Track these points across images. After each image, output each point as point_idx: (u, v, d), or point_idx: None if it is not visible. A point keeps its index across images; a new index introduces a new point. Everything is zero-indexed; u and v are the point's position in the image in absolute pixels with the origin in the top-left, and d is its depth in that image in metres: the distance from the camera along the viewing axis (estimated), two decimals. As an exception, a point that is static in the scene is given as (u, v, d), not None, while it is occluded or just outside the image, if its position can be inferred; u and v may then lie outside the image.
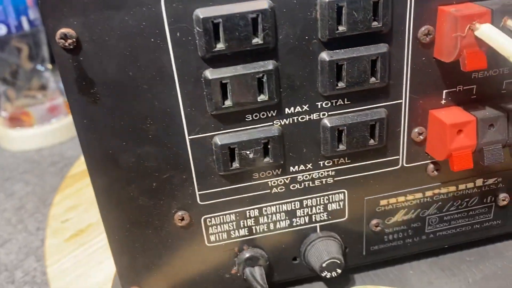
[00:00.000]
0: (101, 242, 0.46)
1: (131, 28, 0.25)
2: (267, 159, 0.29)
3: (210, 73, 0.26)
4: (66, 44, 0.24)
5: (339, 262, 0.31)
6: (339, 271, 0.32)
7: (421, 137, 0.31)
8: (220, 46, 0.25)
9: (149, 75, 0.26)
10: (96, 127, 0.27)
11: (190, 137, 0.28)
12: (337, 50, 0.27)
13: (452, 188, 0.34)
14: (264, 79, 0.27)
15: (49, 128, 0.68)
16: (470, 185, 0.34)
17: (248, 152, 0.28)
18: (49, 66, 0.68)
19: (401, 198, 0.33)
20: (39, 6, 0.24)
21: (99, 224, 0.48)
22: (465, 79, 0.30)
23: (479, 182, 0.34)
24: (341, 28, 0.26)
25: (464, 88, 0.30)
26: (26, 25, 0.62)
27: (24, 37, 0.62)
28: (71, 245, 0.45)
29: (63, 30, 0.24)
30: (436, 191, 0.34)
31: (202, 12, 0.25)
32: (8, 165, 0.65)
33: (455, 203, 0.34)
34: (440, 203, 0.34)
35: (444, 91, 0.30)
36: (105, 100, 0.26)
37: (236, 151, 0.28)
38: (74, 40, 0.24)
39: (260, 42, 0.26)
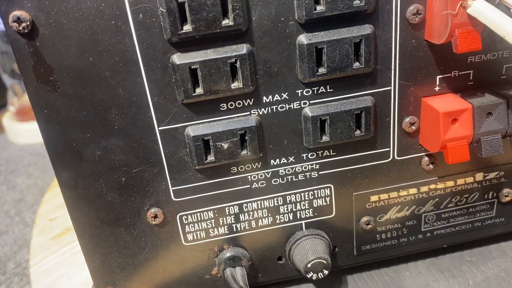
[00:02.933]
0: (87, 241, 0.44)
1: (89, 10, 0.23)
2: (244, 152, 0.27)
3: (178, 58, 0.24)
4: (20, 28, 0.22)
5: (325, 262, 0.29)
6: (325, 272, 0.29)
7: (413, 128, 0.28)
8: (187, 28, 0.23)
9: (111, 60, 0.24)
10: (57, 117, 0.25)
11: (160, 128, 0.26)
12: (316, 33, 0.25)
13: (450, 183, 0.31)
14: (238, 65, 0.25)
15: None
16: (470, 179, 0.31)
17: (223, 144, 0.26)
18: None
19: (394, 194, 0.31)
20: (-12, -14, 0.22)
21: (87, 222, 0.47)
22: (460, 64, 0.28)
23: (479, 176, 0.32)
24: (319, 8, 0.24)
25: (460, 73, 0.28)
26: None
27: None
28: (56, 243, 0.44)
29: (16, 12, 0.22)
30: (432, 186, 0.31)
31: (165, -9, 0.23)
32: (14, 158, 0.66)
33: (453, 200, 0.32)
34: (437, 199, 0.32)
35: (438, 77, 0.28)
36: (66, 88, 0.24)
37: (210, 143, 0.26)
38: (28, 23, 0.22)
39: (231, 23, 0.24)
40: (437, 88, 0.28)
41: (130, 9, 0.23)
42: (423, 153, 0.30)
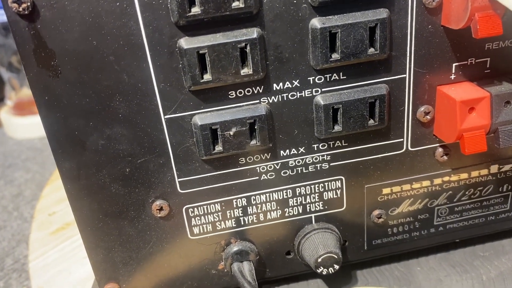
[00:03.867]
0: (88, 236, 0.43)
1: None
2: (253, 142, 0.26)
3: (185, 42, 0.23)
4: (20, 9, 0.21)
5: (336, 257, 0.28)
6: (336, 267, 0.28)
7: (428, 117, 0.27)
8: (196, 10, 0.22)
9: (115, 44, 0.23)
10: (59, 104, 0.24)
11: (166, 117, 0.25)
12: (330, 16, 0.24)
13: (464, 176, 0.30)
14: (248, 50, 0.24)
15: None
16: (484, 172, 0.30)
17: (231, 134, 0.25)
18: None
19: (406, 186, 0.30)
20: (-14, -36, 0.21)
21: (87, 217, 0.46)
22: (477, 51, 0.27)
23: (494, 168, 0.31)
24: (334, -10, 0.23)
25: (477, 61, 0.27)
26: None
27: None
28: (56, 238, 0.43)
29: (16, -8, 0.21)
30: (446, 178, 0.30)
31: (173, -29, 0.22)
32: (12, 153, 0.65)
33: (467, 192, 0.31)
34: (450, 192, 0.31)
35: (454, 65, 0.27)
36: (68, 74, 0.23)
37: (218, 133, 0.25)
38: (29, 4, 0.21)
39: (241, 5, 0.23)
40: (453, 76, 0.27)
41: (136, -10, 0.22)
42: (437, 144, 0.29)
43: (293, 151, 0.27)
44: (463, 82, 0.27)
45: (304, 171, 0.28)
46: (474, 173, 0.30)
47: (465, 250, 0.34)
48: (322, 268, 0.28)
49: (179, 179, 0.27)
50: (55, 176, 0.55)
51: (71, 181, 0.26)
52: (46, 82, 0.23)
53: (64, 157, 0.25)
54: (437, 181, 0.30)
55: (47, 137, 0.24)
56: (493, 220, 0.32)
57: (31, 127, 0.68)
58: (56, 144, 0.25)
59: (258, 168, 0.27)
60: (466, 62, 0.27)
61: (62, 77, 0.23)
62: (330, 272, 0.29)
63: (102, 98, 0.24)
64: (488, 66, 0.27)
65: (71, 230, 0.44)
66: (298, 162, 0.28)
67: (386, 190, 0.30)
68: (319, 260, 0.28)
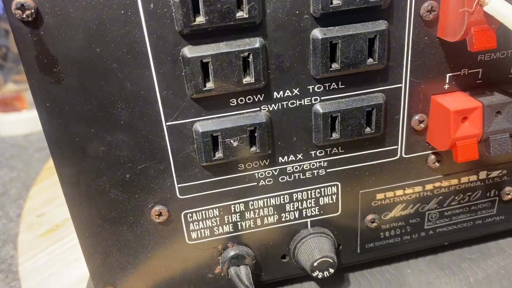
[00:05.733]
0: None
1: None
2: (253, 149, 0.26)
3: (189, 51, 0.23)
4: (24, 16, 0.21)
5: (331, 261, 0.29)
6: (331, 270, 0.29)
7: (422, 125, 0.28)
8: (200, 19, 0.22)
9: (119, 52, 0.23)
10: (61, 111, 0.24)
11: (167, 124, 0.25)
12: (331, 27, 0.24)
13: (454, 181, 0.31)
14: (250, 59, 0.24)
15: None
16: (473, 177, 0.32)
17: (232, 141, 0.25)
18: None
19: (399, 192, 0.31)
20: (-10, -30, 0.21)
21: (77, 218, 0.45)
22: (470, 62, 0.27)
23: (482, 174, 0.32)
24: (335, 2, 0.23)
25: (469, 71, 0.28)
26: None
27: None
28: (45, 240, 0.42)
29: (20, 1, 0.21)
30: (437, 184, 0.31)
31: (179, -19, 0.22)
32: None
33: (456, 197, 0.32)
34: (441, 197, 0.32)
35: (448, 75, 0.27)
36: (70, 80, 0.23)
37: (219, 140, 0.25)
38: (33, 11, 0.21)
39: (245, 16, 0.23)
40: (446, 86, 0.28)
41: (141, -2, 0.22)
42: (430, 151, 0.30)
43: (291, 157, 0.28)
44: (456, 92, 0.28)
45: (301, 177, 0.28)
46: (464, 179, 0.31)
47: (453, 253, 0.35)
48: (317, 272, 0.29)
49: (179, 185, 0.27)
50: (42, 176, 0.54)
51: (70, 187, 0.25)
52: (48, 88, 0.23)
53: (64, 163, 0.25)
54: (429, 186, 0.31)
55: (47, 142, 0.24)
56: (480, 224, 0.34)
57: (15, 124, 0.67)
58: (56, 150, 0.24)
59: (256, 174, 0.28)
60: (460, 72, 0.28)
61: (64, 84, 0.23)
62: (326, 275, 0.29)
63: (104, 104, 0.24)
64: (480, 77, 0.28)
65: (61, 232, 0.44)
66: (296, 168, 0.28)
67: (379, 196, 0.30)
68: (315, 264, 0.29)
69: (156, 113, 0.25)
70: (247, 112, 0.26)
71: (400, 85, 0.27)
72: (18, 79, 0.68)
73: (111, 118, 0.24)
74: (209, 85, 0.24)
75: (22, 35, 0.22)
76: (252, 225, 0.29)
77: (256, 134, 0.26)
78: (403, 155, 0.29)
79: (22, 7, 0.21)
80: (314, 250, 0.29)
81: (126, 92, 0.24)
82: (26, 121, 0.67)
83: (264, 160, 0.27)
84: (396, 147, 0.29)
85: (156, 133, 0.25)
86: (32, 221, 0.46)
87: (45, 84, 0.23)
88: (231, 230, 0.29)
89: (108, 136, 0.25)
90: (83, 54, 0.23)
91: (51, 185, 0.52)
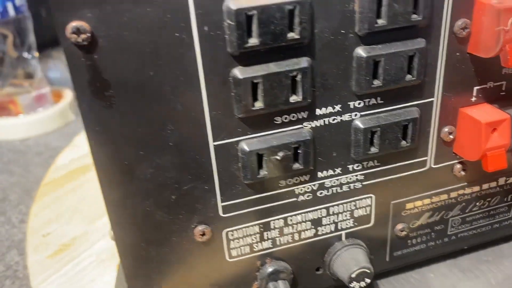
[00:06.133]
0: (90, 257, 0.42)
1: (153, 22, 0.22)
2: (296, 165, 0.27)
3: (240, 72, 0.23)
4: (79, 39, 0.21)
5: (369, 271, 0.29)
6: (368, 281, 0.30)
7: (451, 137, 0.29)
8: (253, 41, 0.23)
9: (172, 74, 0.23)
10: (111, 134, 0.23)
11: (214, 144, 0.25)
12: (374, 46, 0.25)
13: (476, 188, 0.33)
14: (298, 78, 0.24)
15: (35, 117, 0.67)
16: (493, 184, 0.33)
17: (277, 158, 0.26)
18: (36, 54, 0.67)
19: (427, 201, 0.32)
20: (47, -5, 0.20)
21: (85, 236, 0.44)
22: (495, 75, 0.29)
23: (501, 181, 0.33)
24: (380, 22, 0.24)
25: (495, 84, 0.29)
26: (11, 11, 0.61)
27: (10, 24, 0.61)
28: (55, 262, 0.41)
29: (75, 23, 0.20)
30: (461, 191, 0.32)
31: (234, 3, 0.22)
32: None
33: (477, 203, 0.33)
34: (463, 203, 0.33)
35: (475, 88, 0.29)
36: (122, 104, 0.23)
37: (264, 158, 0.26)
38: (89, 35, 0.21)
39: (296, 37, 0.23)
40: (473, 99, 0.29)
41: (196, 21, 0.22)
42: (456, 161, 0.31)
43: (330, 172, 0.28)
44: (483, 104, 0.29)
45: (338, 191, 0.29)
46: (485, 186, 0.33)
47: (471, 256, 0.36)
48: (355, 283, 0.29)
49: (222, 204, 0.27)
50: (41, 193, 0.52)
51: (116, 210, 0.25)
52: (99, 112, 0.23)
53: (112, 186, 0.24)
54: (453, 194, 0.32)
55: (95, 167, 0.24)
56: (497, 228, 0.35)
57: (12, 128, 0.66)
58: (104, 173, 0.24)
59: (296, 189, 0.28)
60: (486, 85, 0.29)
61: (116, 107, 0.23)
62: (362, 286, 0.30)
63: (154, 127, 0.24)
64: (503, 89, 0.29)
65: (71, 252, 0.42)
66: (334, 182, 0.29)
67: (409, 205, 0.31)
68: (353, 275, 0.29)
69: (204, 133, 0.25)
70: (291, 130, 0.26)
71: (433, 99, 0.28)
72: (16, 83, 0.68)
73: (160, 140, 0.24)
74: (258, 104, 0.24)
75: (75, 59, 0.21)
76: (290, 240, 0.30)
77: (299, 151, 0.26)
78: (432, 166, 0.30)
79: (77, 31, 0.21)
80: (351, 261, 0.29)
81: (177, 114, 0.24)
82: (22, 126, 0.66)
83: (305, 176, 0.28)
84: (426, 158, 0.30)
85: (203, 153, 0.25)
86: (38, 241, 0.44)
87: (97, 108, 0.22)
88: (270, 246, 0.29)
89: (156, 158, 0.24)
90: (136, 77, 0.22)
91: (52, 201, 0.50)
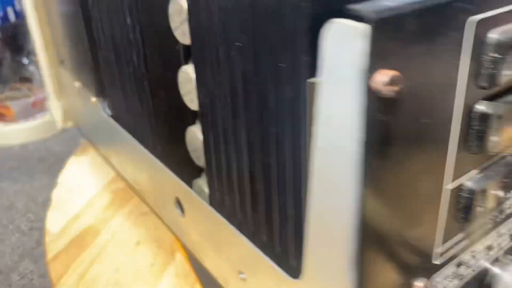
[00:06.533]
0: None
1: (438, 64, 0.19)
2: None
3: (486, 106, 0.22)
4: (392, 92, 0.17)
5: None
6: None
7: None
8: (507, 73, 0.21)
9: (443, 118, 0.20)
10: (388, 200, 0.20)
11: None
12: None
13: None
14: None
15: (34, 123, 0.67)
16: None
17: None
18: (34, 59, 0.65)
19: None
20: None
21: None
22: None
23: None
24: None
25: None
26: (12, 16, 0.62)
27: (10, 28, 0.62)
28: None
29: (388, 72, 0.17)
30: None
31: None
32: None
33: None
34: None
35: None
36: (406, 163, 0.20)
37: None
38: (401, 86, 0.17)
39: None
40: None
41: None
42: None
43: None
44: None
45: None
46: None
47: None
48: None
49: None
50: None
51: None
52: (380, 176, 0.19)
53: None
54: None
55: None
56: None
57: (10, 134, 0.64)
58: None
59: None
60: None
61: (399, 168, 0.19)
62: None
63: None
64: None
65: None
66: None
67: None
68: None
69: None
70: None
71: None
72: (13, 87, 0.67)
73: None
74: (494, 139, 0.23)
75: (372, 115, 0.18)
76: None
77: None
78: None
79: (391, 82, 0.17)
80: None
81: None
82: (21, 131, 0.64)
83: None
84: None
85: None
86: None
87: (380, 171, 0.19)
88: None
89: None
90: (414, 126, 0.20)
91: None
